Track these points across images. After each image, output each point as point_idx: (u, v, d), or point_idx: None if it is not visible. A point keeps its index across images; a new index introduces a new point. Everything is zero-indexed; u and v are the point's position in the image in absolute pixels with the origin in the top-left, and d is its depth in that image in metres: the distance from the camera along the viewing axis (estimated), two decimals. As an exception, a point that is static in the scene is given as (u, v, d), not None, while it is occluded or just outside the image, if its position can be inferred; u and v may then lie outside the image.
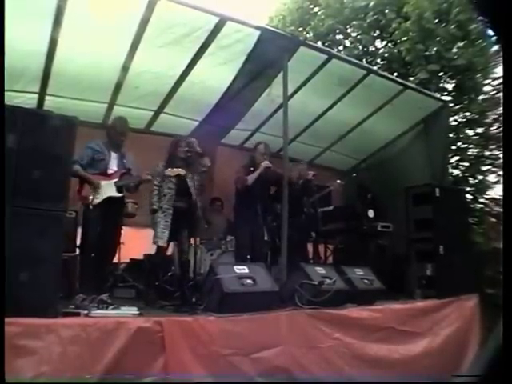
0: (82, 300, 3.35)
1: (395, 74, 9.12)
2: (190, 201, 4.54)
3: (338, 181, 6.21)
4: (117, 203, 4.47)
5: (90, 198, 4.25)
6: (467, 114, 9.36)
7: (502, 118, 8.66)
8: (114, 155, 4.56)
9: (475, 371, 0.97)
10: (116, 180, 4.43)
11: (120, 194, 4.45)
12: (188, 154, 4.61)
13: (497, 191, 9.12)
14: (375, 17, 10.28)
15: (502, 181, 8.74)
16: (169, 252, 5.18)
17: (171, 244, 4.89)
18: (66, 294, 3.72)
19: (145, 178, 4.48)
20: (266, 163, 4.99)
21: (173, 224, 4.47)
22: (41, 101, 5.28)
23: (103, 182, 4.35)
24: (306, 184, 5.67)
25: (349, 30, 11.21)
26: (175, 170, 4.44)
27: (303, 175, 5.66)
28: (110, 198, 4.35)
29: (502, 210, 8.36)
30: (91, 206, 4.24)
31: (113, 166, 4.51)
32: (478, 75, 9.11)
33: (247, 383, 3.35)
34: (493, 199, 9.13)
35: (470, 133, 9.51)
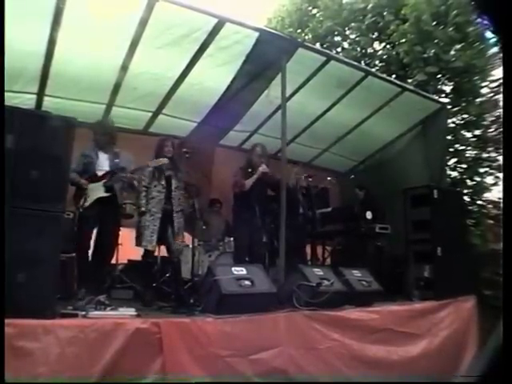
0: (79, 301, 3.34)
1: (393, 75, 9.17)
2: (172, 201, 4.55)
3: (329, 178, 6.21)
4: (109, 204, 4.44)
5: (81, 201, 4.26)
6: (465, 116, 9.39)
7: (500, 120, 8.69)
8: (104, 156, 4.55)
9: (475, 371, 0.97)
10: (105, 181, 4.43)
11: (107, 194, 4.41)
12: (170, 154, 4.62)
13: (494, 193, 9.16)
14: (373, 19, 10.32)
15: (501, 182, 8.75)
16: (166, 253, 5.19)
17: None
18: (64, 294, 3.71)
19: (129, 177, 4.47)
20: (263, 168, 4.98)
21: (161, 227, 4.48)
22: (39, 101, 5.27)
23: (91, 185, 4.35)
24: (302, 185, 5.68)
25: (347, 32, 11.25)
26: (160, 160, 4.42)
27: (299, 178, 5.68)
28: (100, 200, 4.34)
29: (499, 211, 8.39)
30: (81, 209, 4.25)
31: (104, 167, 4.51)
32: (476, 77, 9.16)
33: (245, 383, 3.35)
34: (490, 201, 9.15)
35: (468, 135, 9.56)
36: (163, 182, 4.59)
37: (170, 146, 4.70)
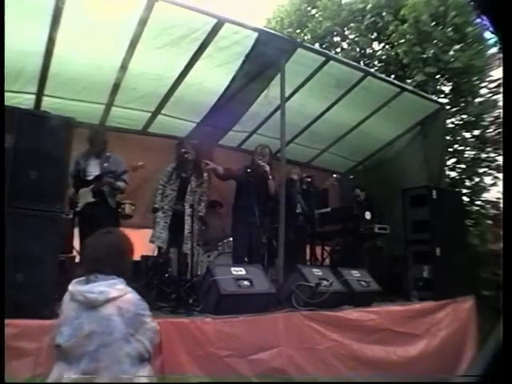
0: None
1: (392, 76, 9.17)
2: (185, 204, 4.57)
3: (334, 175, 6.19)
4: (100, 207, 4.49)
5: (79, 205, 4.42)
6: (464, 116, 9.40)
7: (499, 121, 8.70)
8: (95, 162, 4.63)
9: (475, 372, 0.97)
10: (93, 186, 4.51)
11: (93, 199, 4.49)
12: (191, 156, 4.66)
13: (493, 193, 9.16)
14: (372, 19, 10.34)
15: (500, 183, 8.76)
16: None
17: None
18: (63, 295, 3.69)
19: (108, 181, 4.52)
20: (258, 161, 5.02)
21: (172, 226, 4.49)
22: (38, 101, 5.26)
23: (81, 190, 4.48)
24: (302, 185, 5.68)
25: (346, 32, 11.26)
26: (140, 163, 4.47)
27: (297, 177, 5.70)
28: (89, 204, 4.44)
29: (498, 212, 8.40)
30: (71, 216, 4.33)
31: (94, 173, 4.58)
32: (475, 78, 9.16)
33: (244, 383, 3.35)
34: (489, 201, 9.15)
35: (467, 135, 9.55)
36: (178, 183, 4.63)
37: (191, 148, 4.75)
